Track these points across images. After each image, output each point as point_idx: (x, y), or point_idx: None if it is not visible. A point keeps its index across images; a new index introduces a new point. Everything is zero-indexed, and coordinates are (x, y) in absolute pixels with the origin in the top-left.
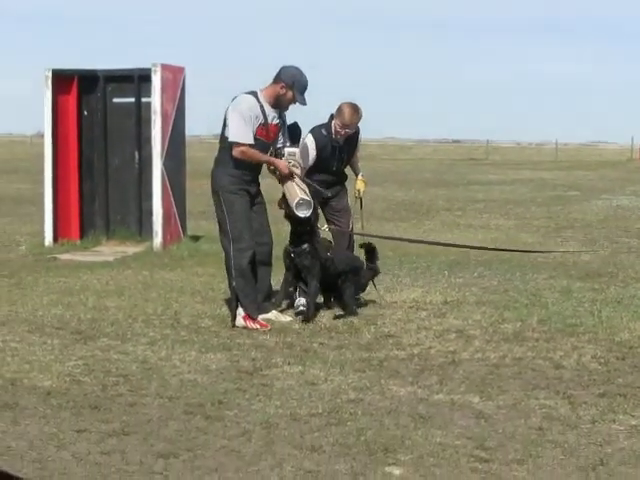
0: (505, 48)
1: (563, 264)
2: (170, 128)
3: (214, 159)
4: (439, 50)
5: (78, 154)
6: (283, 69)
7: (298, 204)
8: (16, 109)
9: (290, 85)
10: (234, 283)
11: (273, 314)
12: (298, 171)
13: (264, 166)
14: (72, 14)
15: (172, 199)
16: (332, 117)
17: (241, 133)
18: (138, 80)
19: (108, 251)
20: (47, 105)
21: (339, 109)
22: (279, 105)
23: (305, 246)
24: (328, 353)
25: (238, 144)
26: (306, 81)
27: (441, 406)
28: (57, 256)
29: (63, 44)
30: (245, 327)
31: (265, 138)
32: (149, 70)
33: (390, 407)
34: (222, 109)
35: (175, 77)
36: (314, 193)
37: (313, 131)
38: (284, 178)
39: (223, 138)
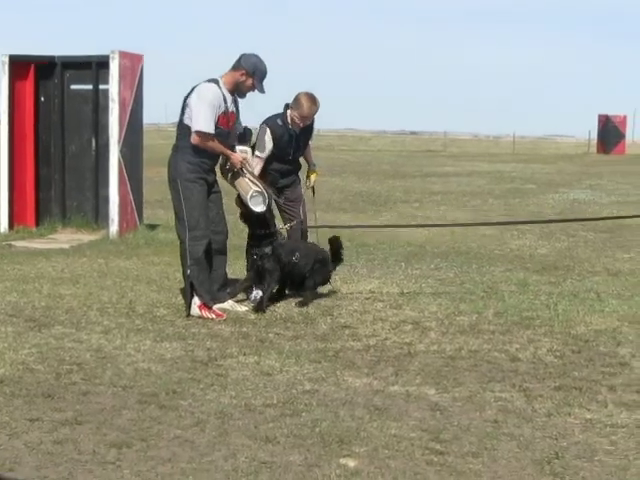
0: (464, 37)
1: (520, 257)
2: (128, 115)
3: (172, 146)
4: (397, 40)
5: (35, 140)
6: (244, 56)
7: (252, 197)
8: None
9: (251, 73)
10: (189, 271)
11: (229, 304)
12: (250, 168)
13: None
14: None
15: (129, 187)
16: (287, 107)
17: (206, 123)
18: (96, 67)
19: (64, 238)
20: (3, 91)
21: (297, 101)
22: (238, 92)
23: (268, 249)
24: (284, 343)
25: (201, 133)
26: (266, 69)
27: (396, 398)
28: (12, 243)
29: (20, 30)
30: (200, 316)
31: (225, 126)
32: (107, 57)
33: (345, 398)
34: (180, 97)
35: (133, 64)
36: (269, 184)
37: (268, 121)
38: (235, 175)
39: (182, 126)
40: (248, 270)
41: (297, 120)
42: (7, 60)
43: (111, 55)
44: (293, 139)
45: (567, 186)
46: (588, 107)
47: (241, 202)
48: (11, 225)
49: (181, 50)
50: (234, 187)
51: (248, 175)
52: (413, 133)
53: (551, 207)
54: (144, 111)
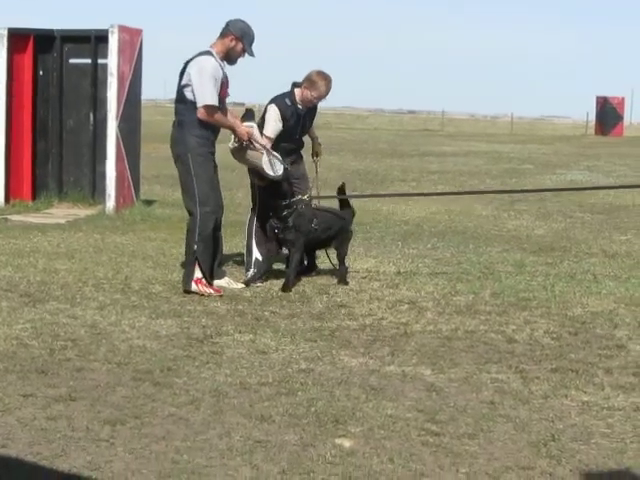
0: (464, 17)
1: (517, 237)
2: (126, 90)
3: (175, 122)
4: (396, 18)
5: (32, 114)
6: (230, 22)
7: (268, 162)
8: None
9: (240, 37)
10: (195, 247)
11: (225, 280)
12: (258, 141)
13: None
14: None
15: (126, 162)
16: (294, 85)
17: (212, 96)
18: (95, 41)
19: (60, 213)
20: (2, 64)
21: (312, 81)
22: (229, 59)
23: (289, 221)
24: (279, 322)
25: (208, 107)
26: (254, 33)
27: (392, 378)
28: (8, 217)
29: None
30: (198, 292)
31: (224, 95)
32: (106, 31)
33: (341, 378)
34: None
35: (132, 39)
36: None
37: (276, 100)
38: (244, 149)
39: (185, 100)
40: (263, 245)
41: (315, 100)
42: (6, 33)
43: (110, 29)
44: (300, 118)
45: (564, 167)
46: (586, 88)
47: (259, 174)
48: (7, 199)
49: (180, 26)
50: (246, 163)
51: (257, 146)
52: (411, 112)
53: (548, 188)
54: (142, 86)
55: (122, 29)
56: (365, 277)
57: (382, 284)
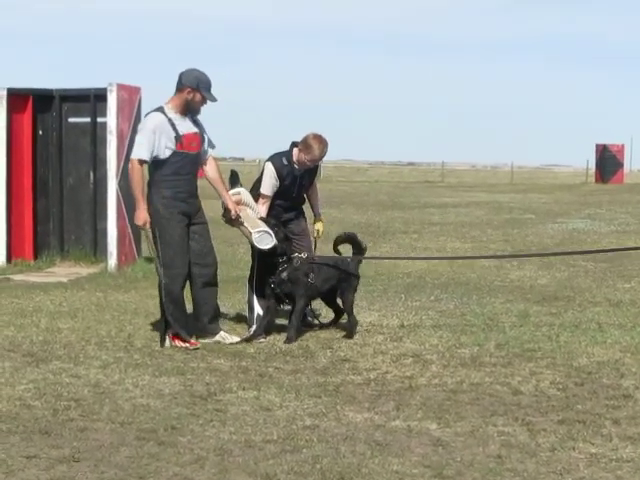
0: (460, 69)
1: (520, 287)
2: (126, 148)
3: (146, 183)
4: (395, 71)
5: (33, 173)
6: (183, 74)
7: (257, 239)
8: None
9: (196, 87)
10: (165, 307)
11: (220, 335)
12: (249, 210)
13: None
14: (28, 32)
15: (127, 219)
16: (293, 145)
17: (137, 150)
18: (94, 99)
19: (62, 272)
20: (1, 124)
21: (307, 145)
22: (191, 110)
23: (284, 275)
24: (283, 378)
25: (132, 160)
26: (209, 79)
27: (398, 433)
28: (10, 276)
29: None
30: (175, 346)
31: (187, 149)
32: (105, 90)
33: (346, 434)
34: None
35: (131, 97)
36: (273, 217)
37: (273, 159)
38: (234, 221)
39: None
40: (267, 298)
41: (308, 163)
42: (5, 93)
43: (109, 88)
44: (297, 178)
45: (566, 216)
46: (586, 136)
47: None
48: (9, 258)
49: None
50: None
51: (249, 215)
52: (411, 164)
53: (550, 237)
54: None
55: (121, 87)
56: (369, 330)
57: (386, 337)
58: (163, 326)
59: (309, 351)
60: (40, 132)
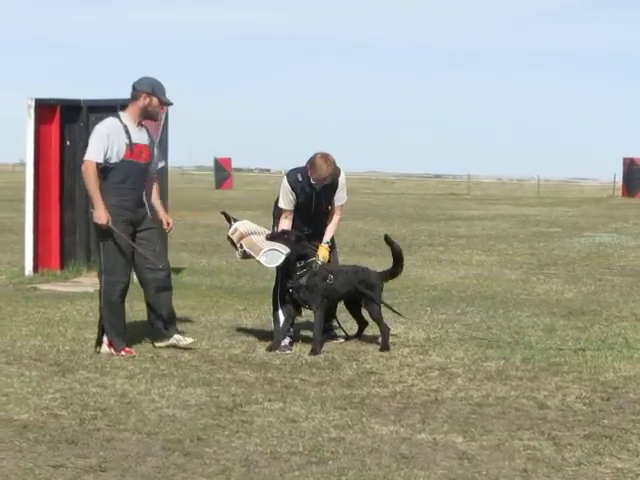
0: (488, 82)
1: (546, 301)
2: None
3: None
4: (422, 84)
5: (60, 184)
6: (136, 83)
7: (268, 261)
8: None
9: (151, 92)
10: (102, 312)
11: (175, 338)
12: (253, 236)
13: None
14: (55, 43)
15: None
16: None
17: (90, 152)
18: (121, 110)
19: (88, 281)
20: (29, 134)
21: (313, 164)
22: (150, 116)
23: (303, 280)
24: (309, 390)
25: (85, 161)
26: (161, 84)
27: (424, 446)
28: (37, 286)
29: (46, 73)
30: (110, 353)
31: (137, 159)
32: None
33: (372, 446)
34: (203, 139)
35: None
36: (282, 232)
37: (288, 175)
38: (246, 256)
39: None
40: (285, 304)
41: (314, 182)
42: (33, 104)
43: None
44: (314, 194)
45: (592, 229)
46: (613, 150)
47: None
48: (36, 268)
49: (204, 91)
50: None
51: (251, 247)
52: (437, 176)
53: (577, 251)
54: (168, 154)
55: None
56: (395, 343)
57: (412, 350)
58: (100, 331)
59: (335, 363)
60: (67, 142)
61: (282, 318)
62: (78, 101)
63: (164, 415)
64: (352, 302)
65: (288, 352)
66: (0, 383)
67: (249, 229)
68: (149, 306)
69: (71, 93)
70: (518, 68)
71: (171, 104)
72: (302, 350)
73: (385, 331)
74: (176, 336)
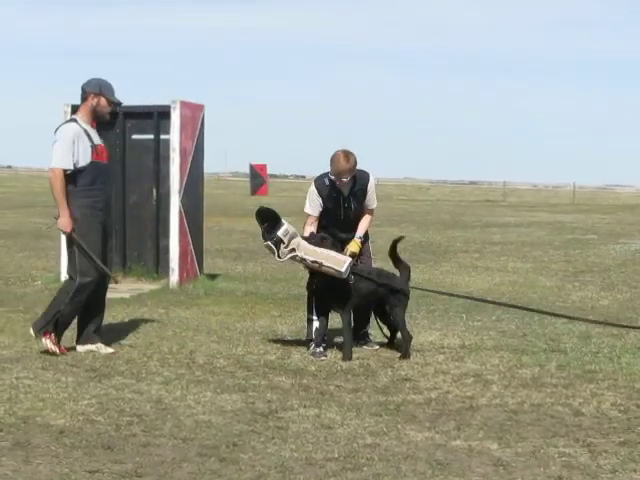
0: (521, 89)
1: (581, 309)
2: (189, 165)
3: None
4: (457, 91)
5: None
6: (84, 85)
7: (330, 264)
8: (35, 143)
9: (98, 92)
10: (62, 307)
11: (97, 346)
12: (304, 242)
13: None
14: (92, 49)
15: (189, 237)
16: None
17: (56, 159)
18: (157, 117)
19: (124, 288)
20: None
21: (332, 158)
22: (99, 117)
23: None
24: (344, 396)
25: (51, 169)
26: (110, 84)
27: (459, 452)
28: None
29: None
30: (47, 349)
31: (100, 159)
32: (168, 107)
33: (407, 453)
34: (239, 145)
35: (194, 114)
36: (321, 237)
37: (316, 179)
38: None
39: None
40: (315, 307)
41: (333, 177)
42: (69, 110)
43: (172, 105)
44: (341, 199)
45: (628, 236)
46: None
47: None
48: None
49: (240, 98)
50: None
51: (321, 255)
52: (472, 183)
53: (612, 258)
54: (205, 160)
55: (184, 105)
56: (430, 350)
57: (447, 357)
58: (46, 318)
59: (370, 370)
60: None
61: (315, 320)
62: None
63: (200, 421)
64: (379, 309)
65: (323, 358)
66: (36, 389)
67: (294, 231)
68: (89, 307)
69: None
70: (553, 75)
71: (120, 103)
72: (337, 357)
73: (406, 339)
74: (99, 344)
